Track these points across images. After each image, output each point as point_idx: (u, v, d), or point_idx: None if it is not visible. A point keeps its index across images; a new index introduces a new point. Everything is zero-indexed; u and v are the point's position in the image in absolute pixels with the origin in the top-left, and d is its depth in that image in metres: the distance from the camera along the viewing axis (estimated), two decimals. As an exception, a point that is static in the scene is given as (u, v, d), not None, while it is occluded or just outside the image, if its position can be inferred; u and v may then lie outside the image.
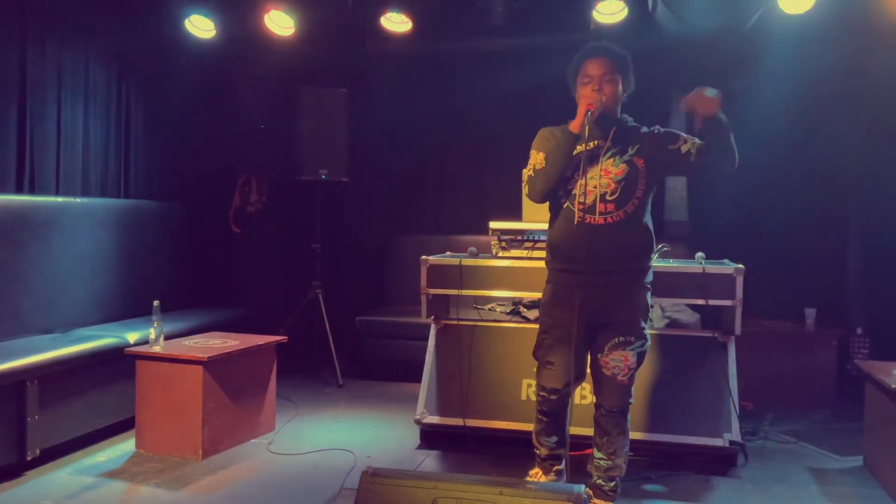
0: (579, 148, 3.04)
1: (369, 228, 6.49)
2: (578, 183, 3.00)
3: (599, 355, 3.12)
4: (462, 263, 3.97)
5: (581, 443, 3.63)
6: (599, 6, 4.93)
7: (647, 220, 3.11)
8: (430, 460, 3.93)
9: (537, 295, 3.77)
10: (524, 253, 3.94)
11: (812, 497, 3.48)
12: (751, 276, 3.72)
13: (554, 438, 3.31)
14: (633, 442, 3.79)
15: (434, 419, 4.06)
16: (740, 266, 3.71)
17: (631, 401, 3.18)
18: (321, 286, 5.72)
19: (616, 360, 3.08)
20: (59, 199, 4.57)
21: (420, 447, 4.09)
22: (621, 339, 3.07)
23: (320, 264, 5.82)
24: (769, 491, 3.53)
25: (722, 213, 5.51)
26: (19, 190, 4.43)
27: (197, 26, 5.35)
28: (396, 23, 5.37)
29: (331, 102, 5.68)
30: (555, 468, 3.37)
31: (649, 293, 3.18)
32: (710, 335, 3.84)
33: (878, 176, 5.24)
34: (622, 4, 4.91)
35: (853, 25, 4.86)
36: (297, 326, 5.54)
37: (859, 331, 5.16)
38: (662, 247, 4.03)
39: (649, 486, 3.55)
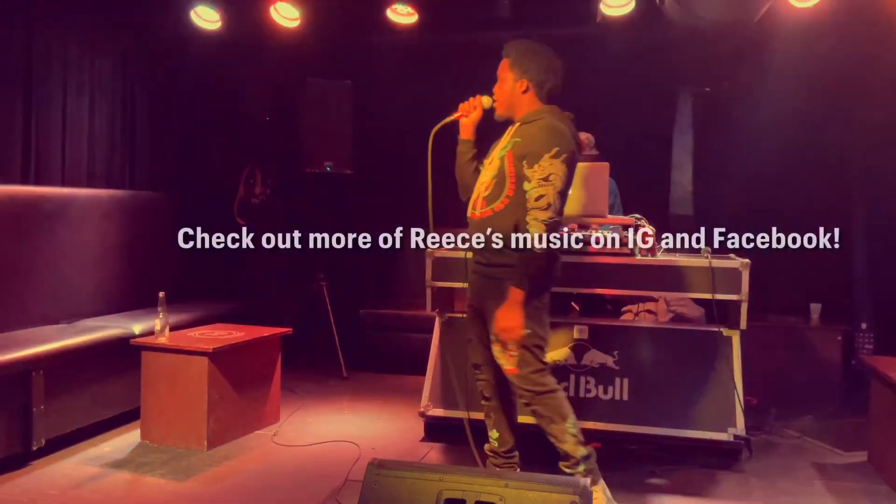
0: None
1: (374, 221, 6.46)
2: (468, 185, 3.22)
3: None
4: (467, 256, 3.96)
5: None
6: (607, -2, 4.90)
7: (522, 216, 2.97)
8: (434, 453, 3.93)
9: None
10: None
11: (816, 492, 3.48)
12: (756, 271, 3.72)
13: (495, 433, 3.28)
14: (638, 435, 3.82)
15: (438, 412, 4.06)
16: (746, 260, 3.70)
17: (534, 389, 3.04)
18: (325, 278, 5.72)
19: (497, 352, 3.09)
20: (65, 189, 4.57)
21: (424, 440, 4.10)
22: (494, 335, 3.05)
23: (324, 257, 5.82)
24: (774, 485, 3.53)
25: (727, 208, 5.49)
26: (25, 180, 4.44)
27: (202, 18, 5.33)
28: (402, 14, 5.35)
29: (335, 94, 5.67)
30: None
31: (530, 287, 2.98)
32: (716, 329, 3.83)
33: (884, 170, 5.22)
34: (629, -4, 4.87)
35: (863, 18, 4.83)
36: (301, 319, 5.53)
37: (864, 326, 5.15)
38: (666, 238, 4.01)
39: (653, 480, 3.56)
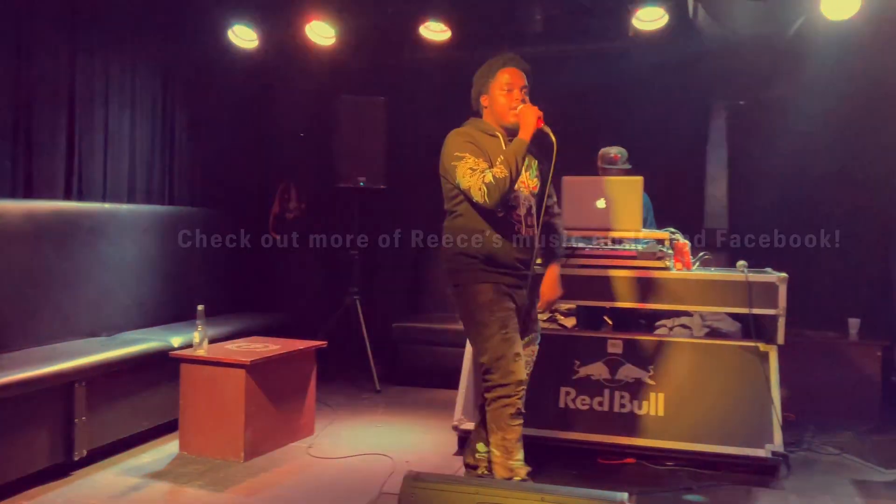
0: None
1: (406, 236, 6.51)
2: (513, 195, 3.15)
3: None
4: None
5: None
6: (639, 13, 4.90)
7: None
8: (467, 467, 3.93)
9: (574, 303, 3.82)
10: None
11: (857, 510, 3.43)
12: (793, 285, 3.68)
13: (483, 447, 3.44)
14: (674, 451, 3.78)
15: (471, 425, 4.03)
16: (784, 274, 3.67)
17: None
18: (358, 292, 5.77)
19: (530, 356, 3.31)
20: (106, 205, 4.66)
21: (457, 453, 4.09)
22: (534, 335, 3.35)
23: (358, 271, 5.87)
24: (813, 503, 3.48)
25: (763, 222, 5.45)
26: (68, 196, 4.55)
27: (240, 37, 5.45)
28: (435, 31, 5.41)
29: (369, 110, 5.73)
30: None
31: None
32: (753, 345, 3.80)
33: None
34: (662, 11, 4.88)
35: (898, 31, 4.79)
36: (334, 332, 5.59)
37: (904, 341, 5.06)
38: (703, 255, 4.02)
39: (690, 497, 3.52)
